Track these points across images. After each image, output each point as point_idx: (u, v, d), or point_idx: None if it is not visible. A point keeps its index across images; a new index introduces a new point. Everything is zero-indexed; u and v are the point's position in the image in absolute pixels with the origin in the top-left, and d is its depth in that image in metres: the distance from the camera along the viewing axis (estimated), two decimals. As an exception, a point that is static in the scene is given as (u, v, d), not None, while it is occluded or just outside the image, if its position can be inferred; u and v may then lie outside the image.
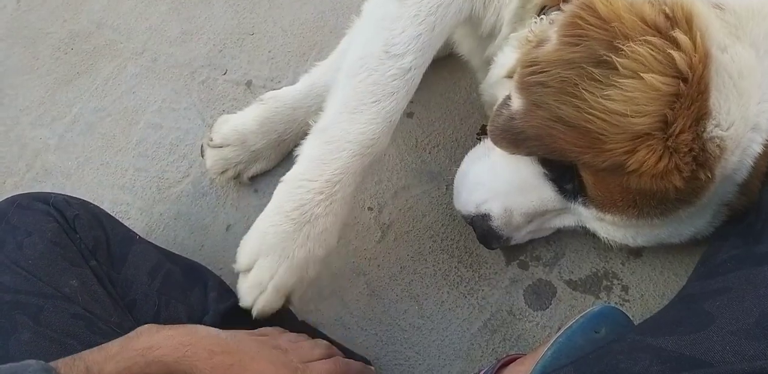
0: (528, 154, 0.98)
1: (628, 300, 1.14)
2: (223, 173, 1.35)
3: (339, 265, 1.27)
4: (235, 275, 1.25)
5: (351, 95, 1.08)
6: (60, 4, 1.75)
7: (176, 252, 1.24)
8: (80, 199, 1.09)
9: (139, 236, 1.11)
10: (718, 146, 0.84)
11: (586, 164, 0.88)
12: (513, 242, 1.11)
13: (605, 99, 0.82)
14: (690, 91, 0.80)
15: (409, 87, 1.08)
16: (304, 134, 1.17)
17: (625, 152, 0.83)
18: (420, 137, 1.41)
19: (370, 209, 1.33)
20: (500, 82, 1.04)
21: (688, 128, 0.81)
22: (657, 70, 0.80)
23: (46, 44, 1.68)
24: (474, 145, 1.18)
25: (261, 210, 1.33)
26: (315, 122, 1.11)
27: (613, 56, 0.82)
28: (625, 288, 1.15)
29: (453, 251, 1.25)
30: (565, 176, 0.97)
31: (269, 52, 1.60)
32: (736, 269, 0.83)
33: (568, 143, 0.86)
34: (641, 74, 0.80)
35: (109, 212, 1.25)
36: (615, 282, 1.16)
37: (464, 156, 1.33)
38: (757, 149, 0.89)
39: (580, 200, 0.97)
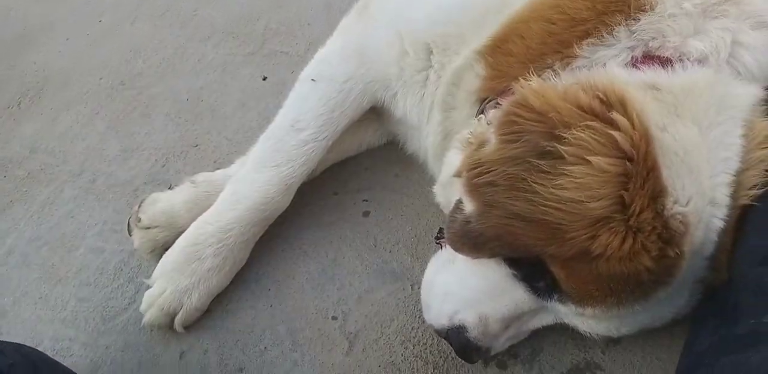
0: (491, 256, 1.01)
1: (614, 392, 1.13)
2: (151, 252, 1.43)
3: (306, 385, 1.24)
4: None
5: (259, 157, 1.37)
6: (-10, 131, 1.79)
7: (126, 390, 1.20)
8: (15, 343, 1.05)
9: (82, 381, 1.06)
10: (681, 222, 0.88)
11: (552, 256, 0.91)
12: (493, 353, 1.10)
13: (557, 189, 0.86)
14: (638, 170, 0.85)
15: (307, 157, 1.36)
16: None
17: (588, 238, 0.85)
18: (378, 236, 1.44)
19: (334, 318, 1.32)
20: (452, 182, 1.10)
21: (647, 206, 0.85)
22: (602, 153, 0.86)
23: (-24, 174, 1.70)
24: (433, 239, 1.21)
25: (215, 332, 1.33)
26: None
27: (557, 145, 0.88)
28: (609, 379, 1.15)
29: (427, 357, 1.23)
30: (534, 274, 0.99)
31: (215, 162, 1.65)
32: (721, 356, 0.84)
33: (529, 237, 0.89)
34: (587, 158, 0.85)
35: (50, 349, 1.21)
36: (598, 372, 1.16)
37: (426, 251, 1.38)
38: (719, 224, 0.93)
39: (555, 297, 0.99)
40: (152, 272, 1.43)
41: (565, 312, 1.01)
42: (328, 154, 1.52)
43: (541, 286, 1.00)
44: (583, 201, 0.85)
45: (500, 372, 1.19)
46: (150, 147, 1.71)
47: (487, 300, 1.05)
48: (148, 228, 1.40)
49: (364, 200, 1.52)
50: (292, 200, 1.45)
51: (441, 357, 1.23)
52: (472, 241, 0.98)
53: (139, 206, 1.43)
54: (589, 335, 1.03)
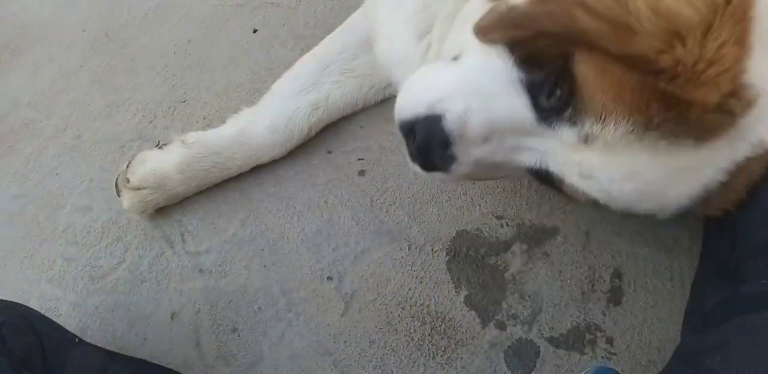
0: (522, 40, 0.84)
1: (614, 353, 1.13)
2: (142, 212, 1.39)
3: (301, 346, 1.23)
4: (189, 369, 1.21)
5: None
6: (-31, 86, 1.73)
7: (116, 350, 1.19)
8: (7, 301, 1.03)
9: (79, 339, 1.05)
10: (750, 98, 0.76)
11: (600, 50, 0.77)
12: (454, 169, 0.89)
13: None
14: (736, 11, 0.74)
15: None
16: (224, 178, 1.41)
17: (659, 50, 0.74)
18: (374, 196, 1.41)
19: (329, 279, 1.31)
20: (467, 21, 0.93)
21: (732, 44, 0.74)
22: None
23: (-45, 130, 1.64)
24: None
25: (208, 293, 1.31)
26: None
27: None
28: (609, 340, 1.14)
29: (424, 318, 1.22)
30: (544, 86, 0.82)
31: (204, 118, 1.60)
32: (729, 317, 0.82)
33: (588, 24, 0.76)
34: None
35: (37, 309, 1.18)
36: (598, 334, 1.16)
37: (423, 211, 1.35)
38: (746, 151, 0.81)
39: (565, 114, 0.81)
40: (140, 231, 1.42)
41: (566, 140, 0.83)
42: (323, 114, 1.48)
43: (546, 106, 0.83)
44: (675, 8, 0.73)
45: (500, 333, 1.18)
46: (136, 102, 1.65)
47: (481, 96, 0.86)
48: (138, 189, 1.36)
49: (359, 159, 1.48)
50: (285, 160, 1.41)
51: (438, 317, 1.22)
52: (512, 21, 0.84)
53: (128, 166, 1.38)
54: (573, 193, 0.87)
